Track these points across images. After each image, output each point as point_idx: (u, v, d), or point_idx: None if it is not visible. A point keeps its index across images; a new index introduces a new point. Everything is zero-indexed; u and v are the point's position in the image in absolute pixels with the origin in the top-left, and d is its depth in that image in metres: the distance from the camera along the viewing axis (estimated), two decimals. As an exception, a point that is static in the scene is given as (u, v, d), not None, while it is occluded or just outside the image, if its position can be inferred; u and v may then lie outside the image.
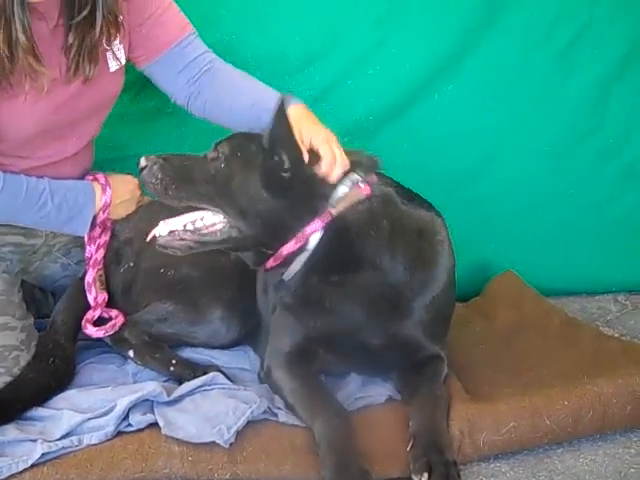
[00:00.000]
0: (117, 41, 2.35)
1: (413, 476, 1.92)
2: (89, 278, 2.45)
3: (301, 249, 2.11)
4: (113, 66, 2.38)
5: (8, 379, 2.22)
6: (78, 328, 2.45)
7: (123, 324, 2.44)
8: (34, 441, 1.98)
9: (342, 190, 2.14)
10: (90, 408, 2.11)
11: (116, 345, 2.43)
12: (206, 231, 2.15)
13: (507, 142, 3.09)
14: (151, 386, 2.13)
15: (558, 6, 3.00)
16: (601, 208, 3.14)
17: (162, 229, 2.18)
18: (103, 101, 2.45)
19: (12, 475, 1.92)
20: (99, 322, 2.44)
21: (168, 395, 2.12)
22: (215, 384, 2.20)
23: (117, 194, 2.44)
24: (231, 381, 2.25)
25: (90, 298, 2.43)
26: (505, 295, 2.90)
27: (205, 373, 2.25)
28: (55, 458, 1.97)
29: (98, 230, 2.46)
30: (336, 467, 1.91)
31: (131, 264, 2.53)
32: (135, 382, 2.30)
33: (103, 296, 2.46)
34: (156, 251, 2.43)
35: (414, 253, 2.20)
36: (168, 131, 2.93)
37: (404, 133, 3.03)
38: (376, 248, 2.15)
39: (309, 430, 2.05)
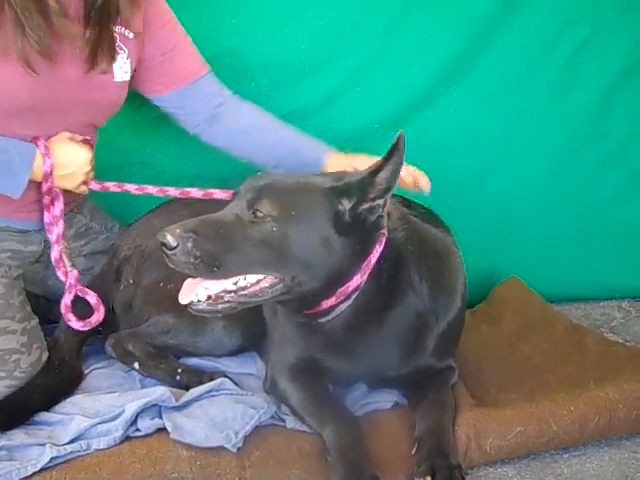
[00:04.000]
0: (125, 55, 2.43)
1: (416, 479, 1.93)
2: (55, 254, 2.39)
3: (345, 299, 2.03)
4: (118, 76, 2.43)
5: (9, 382, 2.23)
6: (82, 343, 2.48)
7: (103, 322, 2.43)
8: (42, 445, 1.99)
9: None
10: (98, 413, 2.12)
11: (120, 358, 2.43)
12: (252, 290, 1.97)
13: (512, 148, 3.10)
14: (159, 391, 2.14)
15: (563, 14, 3.01)
16: (605, 215, 3.15)
17: (201, 294, 1.96)
18: (101, 104, 2.47)
19: (21, 479, 1.93)
20: (78, 306, 2.43)
21: (176, 400, 2.13)
22: (222, 390, 2.21)
23: (60, 165, 2.36)
24: (238, 387, 2.25)
25: (60, 275, 2.40)
26: (510, 301, 2.90)
27: (211, 379, 2.25)
28: (63, 462, 1.98)
29: (47, 198, 2.39)
30: (347, 473, 1.91)
31: (130, 281, 2.53)
32: (143, 387, 2.31)
33: (74, 274, 2.41)
34: (154, 265, 2.46)
35: (435, 276, 2.17)
36: (172, 139, 2.93)
37: (410, 139, 2.97)
38: (412, 271, 2.11)
39: (317, 436, 2.06)
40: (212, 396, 2.19)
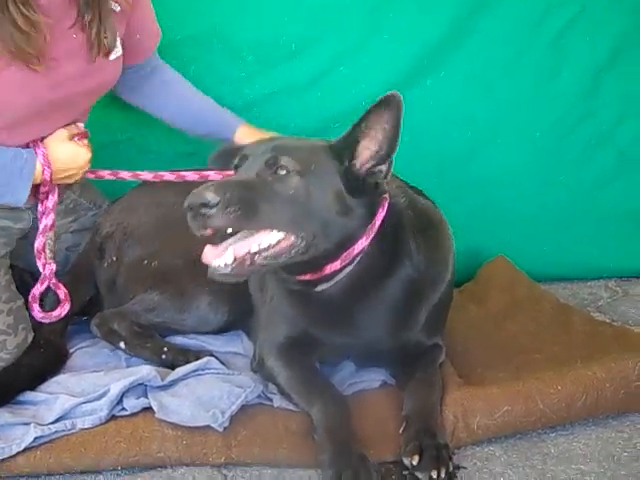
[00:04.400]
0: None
1: (404, 458, 1.92)
2: (38, 245, 2.38)
3: (349, 263, 2.04)
4: (113, 54, 2.40)
5: None
6: (67, 322, 2.47)
7: (69, 312, 2.43)
8: (27, 425, 1.98)
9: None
10: (83, 392, 2.10)
11: (106, 337, 2.42)
12: (275, 250, 1.95)
13: (499, 129, 3.08)
14: (145, 370, 2.13)
15: (549, -4, 3.00)
16: (592, 195, 3.15)
17: (228, 257, 1.92)
18: (100, 87, 2.45)
19: (5, 459, 1.92)
20: (47, 297, 2.43)
21: (162, 379, 2.12)
22: (209, 369, 2.20)
23: (60, 170, 2.36)
24: (225, 366, 2.24)
25: (39, 265, 2.39)
26: (497, 280, 2.90)
27: (198, 358, 2.24)
28: (48, 442, 1.97)
29: (43, 194, 2.39)
30: (335, 452, 1.90)
31: (114, 258, 2.51)
32: (128, 366, 2.30)
33: (51, 267, 2.40)
34: (137, 243, 2.45)
35: (430, 247, 2.18)
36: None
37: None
38: (411, 240, 2.14)
39: (305, 414, 2.05)
40: (198, 375, 2.18)
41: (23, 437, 1.94)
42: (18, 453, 1.92)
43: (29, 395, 2.15)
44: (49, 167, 2.31)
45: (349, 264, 2.04)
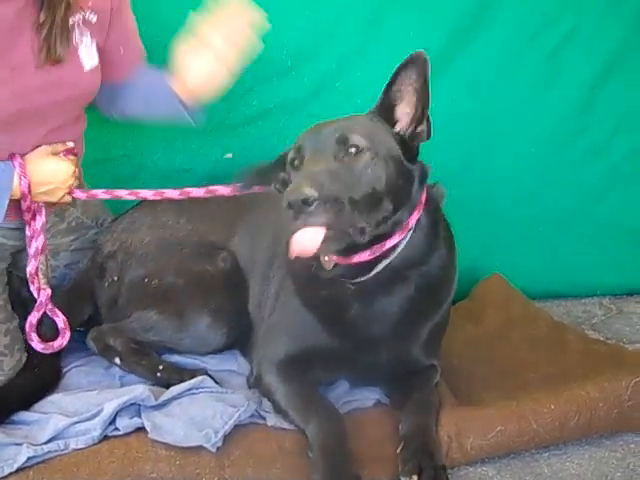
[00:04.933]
0: (87, 38, 2.35)
1: (402, 478, 1.92)
2: (31, 269, 2.34)
3: (400, 242, 2.05)
4: (87, 64, 2.36)
5: None
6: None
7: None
8: (19, 445, 1.97)
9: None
10: (77, 412, 2.09)
11: (101, 353, 2.41)
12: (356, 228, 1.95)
13: (493, 144, 3.10)
14: (138, 390, 2.12)
15: (546, 10, 3.01)
16: (586, 212, 3.16)
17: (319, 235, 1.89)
18: (74, 99, 2.38)
19: (-2, 479, 1.91)
20: (43, 324, 2.39)
21: (155, 399, 2.11)
22: (202, 388, 2.19)
23: (38, 183, 2.30)
24: (219, 384, 2.24)
25: (33, 289, 2.35)
26: (492, 298, 2.91)
27: (193, 377, 2.24)
28: (41, 462, 1.96)
29: (28, 215, 2.33)
30: (329, 472, 1.90)
31: (115, 278, 2.50)
32: (122, 385, 2.30)
33: (46, 293, 2.36)
34: (139, 262, 2.44)
35: (444, 258, 2.18)
36: (155, 132, 2.91)
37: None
38: (442, 235, 2.18)
39: (298, 433, 2.05)
40: (192, 394, 2.17)
41: (16, 457, 1.93)
42: (10, 473, 1.91)
43: (22, 415, 2.14)
44: (26, 177, 2.25)
45: (382, 257, 2.04)
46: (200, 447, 1.97)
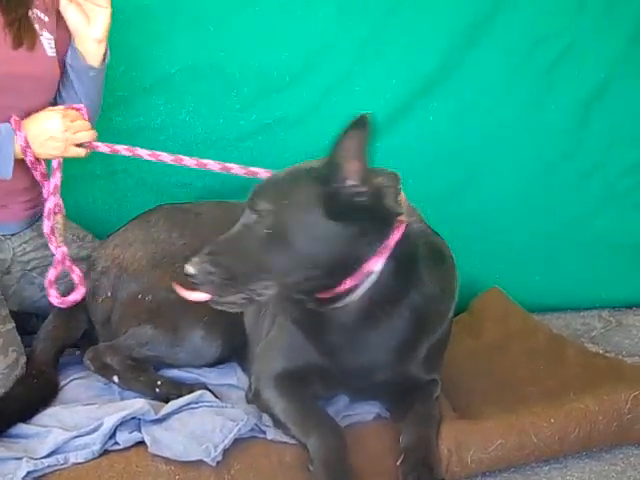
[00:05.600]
0: (47, 33, 2.47)
1: None
2: (46, 229, 2.40)
3: (363, 280, 1.99)
4: (49, 52, 2.47)
5: None
6: (58, 355, 2.46)
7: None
8: (19, 459, 1.96)
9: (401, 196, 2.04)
10: (76, 426, 2.08)
11: (99, 372, 2.41)
12: (267, 295, 1.97)
13: (491, 160, 3.11)
14: (138, 404, 2.12)
15: (541, 27, 3.04)
16: (584, 225, 3.17)
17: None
18: (45, 79, 2.47)
19: (-3, 494, 1.90)
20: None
21: (155, 413, 2.11)
22: (202, 402, 2.18)
23: (34, 135, 2.35)
24: (218, 398, 2.23)
25: (52, 248, 2.41)
26: (491, 312, 2.91)
27: (191, 391, 2.23)
28: (41, 476, 1.95)
29: (36, 173, 2.40)
30: None
31: (109, 294, 2.49)
32: (122, 399, 2.28)
33: (62, 250, 2.41)
34: (132, 278, 2.44)
35: (438, 279, 2.14)
36: (155, 146, 2.92)
37: (390, 149, 3.01)
38: (423, 268, 2.10)
39: (298, 447, 2.04)
40: (191, 408, 2.16)
41: (15, 472, 1.92)
42: (10, 488, 1.90)
43: (21, 428, 2.13)
44: (20, 130, 2.32)
45: (362, 283, 1.99)
46: (200, 461, 1.96)
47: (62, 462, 1.98)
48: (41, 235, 2.49)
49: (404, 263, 2.03)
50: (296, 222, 1.93)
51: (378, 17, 2.95)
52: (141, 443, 2.04)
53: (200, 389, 2.24)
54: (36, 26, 2.44)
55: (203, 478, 1.96)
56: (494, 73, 3.05)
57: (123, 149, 2.44)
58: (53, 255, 2.42)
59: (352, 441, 2.07)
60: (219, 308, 1.98)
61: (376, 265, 1.97)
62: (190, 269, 1.91)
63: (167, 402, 2.20)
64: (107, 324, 2.49)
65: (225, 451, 2.00)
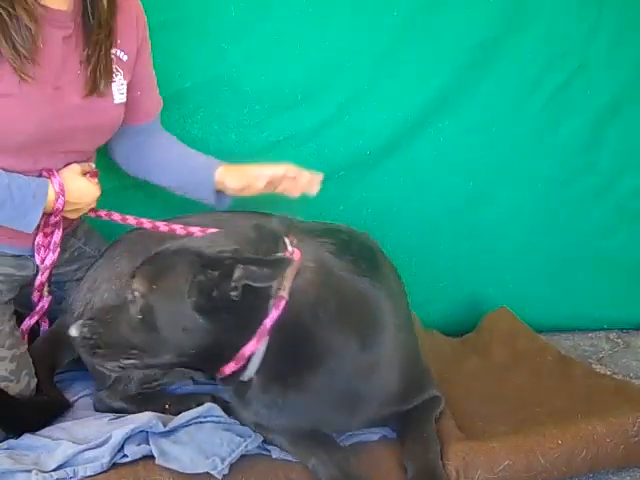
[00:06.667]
0: (121, 77, 2.46)
1: None
2: (43, 279, 2.43)
3: (248, 361, 1.93)
4: (117, 98, 2.45)
5: None
6: (51, 374, 2.46)
7: None
8: (29, 472, 1.96)
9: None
10: (86, 439, 2.09)
11: (111, 412, 2.35)
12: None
13: (501, 179, 3.12)
14: (146, 417, 2.12)
15: (552, 48, 3.06)
16: (593, 247, 3.18)
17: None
18: (103, 127, 2.48)
19: (5, 506, 1.90)
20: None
21: (163, 425, 2.11)
22: (210, 416, 2.18)
23: (71, 203, 2.38)
24: (226, 414, 2.23)
25: (34, 296, 2.44)
26: (499, 331, 2.91)
27: (199, 403, 2.23)
28: (50, 490, 1.95)
29: (50, 228, 2.40)
30: None
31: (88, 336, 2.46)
32: (131, 414, 2.29)
33: (49, 299, 2.48)
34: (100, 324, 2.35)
35: (362, 326, 2.04)
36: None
37: (401, 168, 3.06)
38: (332, 333, 1.97)
39: (304, 465, 2.05)
40: (200, 422, 2.16)
41: (24, 485, 1.93)
42: (19, 500, 1.91)
43: (30, 439, 2.14)
44: (63, 195, 2.33)
45: (249, 363, 1.93)
46: (208, 475, 1.97)
47: (71, 475, 1.98)
48: (65, 250, 2.52)
49: (292, 340, 1.93)
50: (164, 311, 1.88)
51: (390, 37, 2.96)
52: (149, 457, 2.03)
53: (208, 400, 2.24)
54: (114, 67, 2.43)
55: (211, 493, 1.96)
56: (505, 93, 3.06)
57: (132, 218, 2.49)
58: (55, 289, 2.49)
59: (358, 461, 2.07)
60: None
61: (256, 347, 1.90)
62: (72, 331, 1.95)
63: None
64: (93, 369, 2.41)
65: (233, 466, 2.00)
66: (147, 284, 1.89)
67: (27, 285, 2.49)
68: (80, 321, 1.97)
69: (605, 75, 3.10)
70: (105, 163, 2.65)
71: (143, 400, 2.34)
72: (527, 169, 3.12)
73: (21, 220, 2.30)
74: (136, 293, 1.90)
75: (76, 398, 2.41)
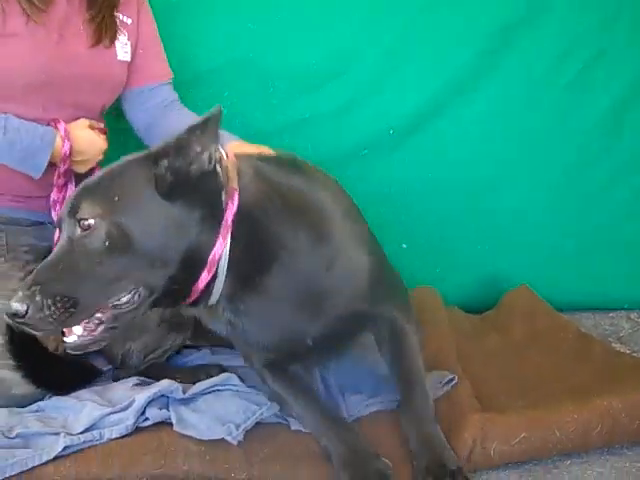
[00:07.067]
0: (125, 37, 2.59)
1: None
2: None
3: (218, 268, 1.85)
4: (121, 55, 2.57)
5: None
6: None
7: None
8: (57, 434, 2.02)
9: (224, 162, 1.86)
10: (111, 402, 2.17)
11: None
12: (124, 310, 1.80)
13: (522, 161, 3.14)
14: (167, 382, 2.19)
15: (570, 33, 3.07)
16: (615, 227, 3.18)
17: (77, 329, 1.79)
18: (107, 81, 2.57)
19: (36, 466, 1.96)
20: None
21: (184, 392, 2.17)
22: (228, 384, 2.24)
23: (78, 151, 2.44)
24: (244, 382, 2.27)
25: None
26: (519, 309, 2.93)
27: (209, 375, 2.30)
28: (77, 452, 2.01)
29: (62, 180, 2.48)
30: (353, 474, 1.93)
31: None
32: (152, 381, 2.35)
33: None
34: None
35: (313, 228, 1.99)
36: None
37: (424, 147, 3.08)
38: (281, 227, 1.92)
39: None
40: (218, 390, 2.22)
41: (52, 446, 1.98)
42: (48, 461, 1.97)
43: (57, 400, 2.24)
44: (69, 140, 2.41)
45: (218, 272, 1.85)
46: (229, 444, 2.01)
47: (97, 438, 2.03)
48: None
49: (251, 235, 1.88)
50: (136, 218, 1.76)
51: (414, 16, 3.01)
52: (171, 424, 2.09)
53: (216, 371, 2.33)
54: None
55: (233, 460, 2.01)
56: (524, 78, 3.08)
57: None
58: None
59: (374, 430, 2.11)
60: (80, 352, 1.84)
61: (223, 248, 1.83)
62: (17, 306, 1.67)
63: (194, 383, 2.26)
64: None
65: (253, 435, 2.05)
66: (105, 203, 1.76)
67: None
68: (20, 293, 1.69)
69: (623, 61, 3.09)
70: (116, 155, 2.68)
71: (155, 375, 2.39)
72: (547, 151, 3.13)
73: (29, 161, 2.38)
74: (91, 221, 1.74)
75: (106, 369, 2.49)
